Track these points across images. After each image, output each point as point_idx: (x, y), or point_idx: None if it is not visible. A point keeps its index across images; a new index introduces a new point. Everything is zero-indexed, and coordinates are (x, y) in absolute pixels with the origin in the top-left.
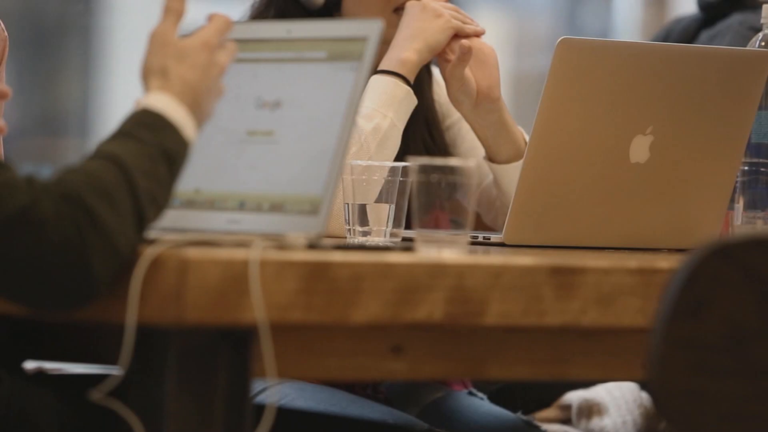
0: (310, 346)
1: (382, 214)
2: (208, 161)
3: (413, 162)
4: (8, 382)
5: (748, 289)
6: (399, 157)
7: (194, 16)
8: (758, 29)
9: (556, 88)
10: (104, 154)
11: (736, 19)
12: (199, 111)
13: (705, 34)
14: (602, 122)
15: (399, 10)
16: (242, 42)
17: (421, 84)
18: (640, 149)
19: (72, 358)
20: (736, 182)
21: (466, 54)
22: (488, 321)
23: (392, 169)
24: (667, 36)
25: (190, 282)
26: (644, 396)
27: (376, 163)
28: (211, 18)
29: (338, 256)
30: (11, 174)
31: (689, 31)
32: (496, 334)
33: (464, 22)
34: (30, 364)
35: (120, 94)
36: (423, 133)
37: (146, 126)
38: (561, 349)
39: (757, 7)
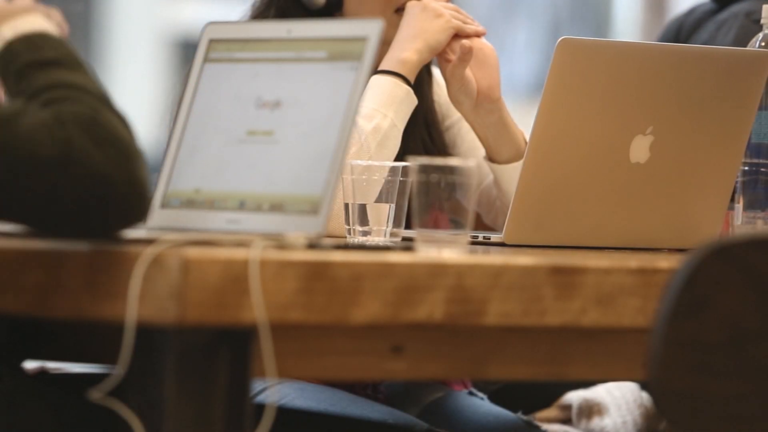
0: (310, 346)
1: (382, 214)
2: (208, 161)
3: (413, 162)
4: (9, 382)
5: (748, 289)
6: (398, 158)
7: (195, 16)
8: (761, 23)
9: (556, 88)
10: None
11: (742, 9)
12: None
13: (711, 22)
14: (602, 122)
15: (400, 10)
16: (242, 42)
17: (421, 84)
18: (640, 149)
19: (72, 358)
20: (736, 182)
21: (467, 54)
22: (488, 321)
23: (392, 169)
24: (679, 28)
25: (190, 282)
26: (644, 396)
27: (376, 163)
28: None
29: (338, 256)
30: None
31: (702, 22)
32: (496, 334)
33: (465, 22)
34: (30, 364)
35: (119, 93)
36: (422, 133)
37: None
38: (561, 349)
39: None
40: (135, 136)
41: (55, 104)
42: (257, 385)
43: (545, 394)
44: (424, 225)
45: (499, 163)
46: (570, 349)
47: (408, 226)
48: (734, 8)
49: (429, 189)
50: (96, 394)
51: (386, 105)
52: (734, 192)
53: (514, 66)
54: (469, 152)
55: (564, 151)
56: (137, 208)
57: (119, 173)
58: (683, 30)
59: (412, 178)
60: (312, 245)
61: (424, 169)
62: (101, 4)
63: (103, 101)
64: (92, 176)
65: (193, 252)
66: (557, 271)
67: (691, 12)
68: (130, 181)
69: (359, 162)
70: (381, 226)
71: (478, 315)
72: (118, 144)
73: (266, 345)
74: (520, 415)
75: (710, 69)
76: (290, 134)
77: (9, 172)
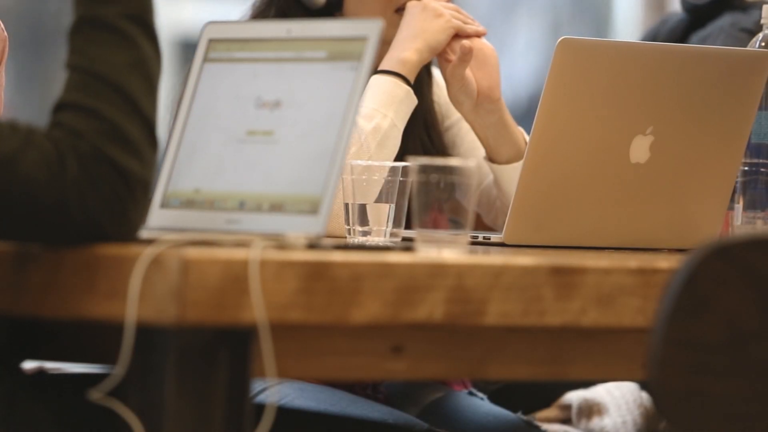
0: (310, 346)
1: (382, 214)
2: (208, 161)
3: (413, 162)
4: (8, 382)
5: (748, 289)
6: (398, 158)
7: (195, 16)
8: (750, 30)
9: (556, 88)
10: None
11: (726, 21)
12: None
13: (695, 37)
14: (602, 122)
15: (400, 10)
16: (242, 42)
17: (420, 85)
18: (640, 149)
19: (72, 358)
20: (736, 182)
21: (467, 54)
22: (488, 321)
23: (392, 169)
24: (654, 37)
25: (190, 282)
26: (644, 396)
27: (376, 163)
28: None
29: (338, 256)
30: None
31: (676, 33)
32: (496, 334)
33: (465, 22)
34: (30, 364)
35: None
36: (421, 134)
37: None
38: (561, 349)
39: (746, 8)
40: (147, 152)
41: (66, 129)
42: (257, 385)
43: (545, 394)
44: (424, 225)
45: (499, 163)
46: (570, 349)
47: (408, 226)
48: (718, 22)
49: (429, 189)
50: (96, 394)
51: (386, 105)
52: (734, 192)
53: (514, 66)
54: (468, 152)
55: (564, 151)
56: (120, 240)
57: (111, 222)
58: (658, 40)
59: (412, 178)
60: (312, 245)
61: (424, 170)
62: None
63: (125, 110)
64: (84, 225)
65: (193, 252)
66: (557, 271)
67: (664, 22)
68: (120, 230)
69: (359, 162)
70: (381, 226)
71: (478, 315)
72: (117, 186)
73: (266, 345)
74: (520, 415)
75: (710, 69)
76: (290, 134)
77: (4, 209)
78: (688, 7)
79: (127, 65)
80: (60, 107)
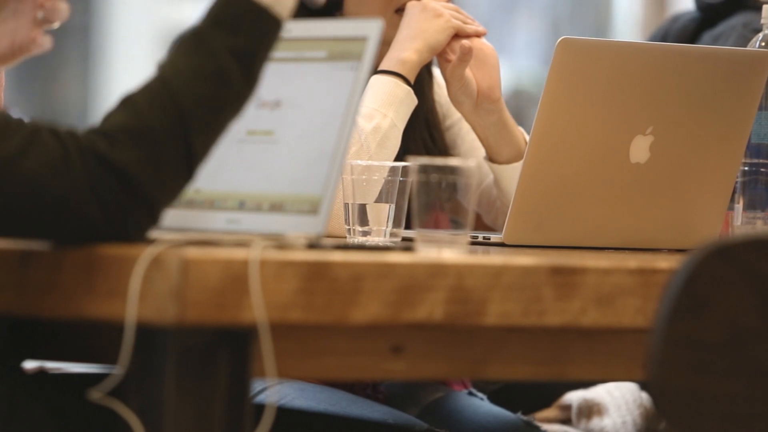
0: (310, 346)
1: (382, 214)
2: (208, 161)
3: (413, 162)
4: (8, 382)
5: (748, 289)
6: (399, 158)
7: (195, 16)
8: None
9: (556, 88)
10: (162, 82)
11: (739, 21)
12: None
13: (707, 36)
14: (602, 122)
15: (400, 10)
16: None
17: (421, 85)
18: (640, 149)
19: (72, 358)
20: (736, 182)
21: (467, 54)
22: (488, 321)
23: (392, 169)
24: (665, 35)
25: (190, 281)
26: (644, 396)
27: (376, 163)
28: None
29: (338, 256)
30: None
31: (687, 31)
32: (496, 334)
33: (465, 22)
34: (30, 364)
35: (119, 93)
36: (423, 134)
37: (223, 22)
38: (561, 349)
39: (760, 8)
40: (174, 180)
41: (97, 128)
42: (257, 385)
43: (545, 394)
44: (424, 225)
45: (499, 163)
46: (570, 349)
47: (408, 226)
48: (731, 21)
49: (429, 189)
50: (96, 394)
51: (386, 105)
52: (734, 192)
53: (514, 66)
54: (469, 152)
55: (564, 151)
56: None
57: (107, 228)
58: (669, 38)
59: (412, 178)
60: (312, 245)
61: (424, 169)
62: (101, 3)
63: (174, 134)
64: (82, 226)
65: (193, 252)
66: (557, 272)
67: (675, 19)
68: (115, 237)
69: (359, 162)
70: (381, 226)
71: (478, 315)
72: (118, 194)
73: (266, 345)
74: (520, 415)
75: (710, 69)
76: (290, 134)
77: (6, 207)
78: (701, 6)
79: (204, 97)
80: (124, 99)
